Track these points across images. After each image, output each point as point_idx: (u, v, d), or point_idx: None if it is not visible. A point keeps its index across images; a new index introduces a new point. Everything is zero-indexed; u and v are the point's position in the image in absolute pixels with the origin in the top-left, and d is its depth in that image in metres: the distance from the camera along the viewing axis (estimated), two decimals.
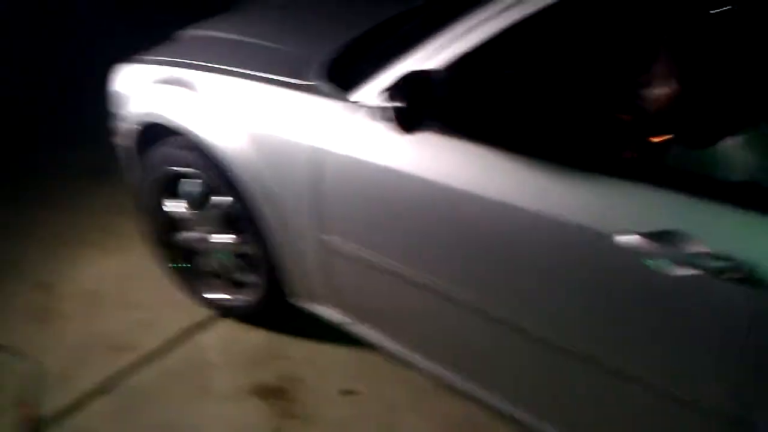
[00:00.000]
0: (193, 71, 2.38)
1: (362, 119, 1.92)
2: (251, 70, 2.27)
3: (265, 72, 2.23)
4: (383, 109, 1.79)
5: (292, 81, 2.14)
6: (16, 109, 4.63)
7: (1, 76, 4.90)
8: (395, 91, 1.68)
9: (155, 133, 2.51)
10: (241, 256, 2.56)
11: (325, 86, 2.07)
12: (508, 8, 1.64)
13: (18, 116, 4.59)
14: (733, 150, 1.62)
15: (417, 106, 1.68)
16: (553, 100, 1.90)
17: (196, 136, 2.30)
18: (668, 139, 1.74)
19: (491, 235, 1.74)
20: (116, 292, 3.01)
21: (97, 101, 3.01)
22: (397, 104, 1.66)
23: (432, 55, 1.78)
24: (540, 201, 1.61)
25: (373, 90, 1.90)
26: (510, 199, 1.65)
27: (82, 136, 4.13)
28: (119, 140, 2.71)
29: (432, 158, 1.79)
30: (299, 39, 2.52)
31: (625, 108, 1.93)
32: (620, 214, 1.51)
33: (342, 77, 2.10)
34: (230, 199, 2.35)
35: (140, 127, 2.58)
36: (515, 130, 1.75)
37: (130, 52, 2.75)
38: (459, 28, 1.75)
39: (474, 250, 1.80)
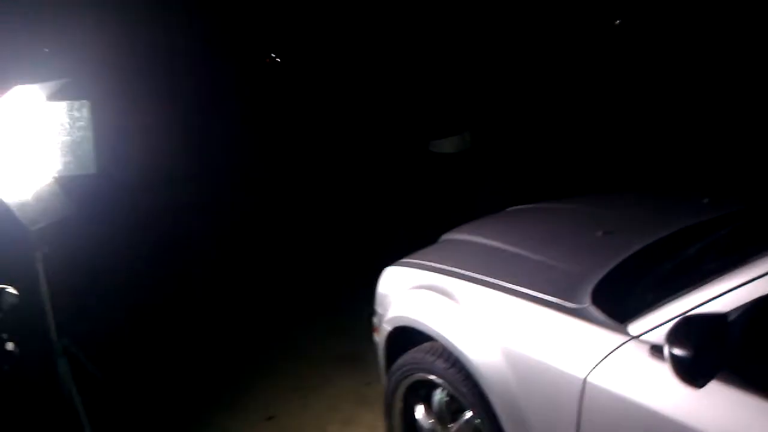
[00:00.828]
0: (454, 280, 2.38)
1: (636, 356, 1.72)
2: (513, 283, 2.21)
3: (527, 287, 2.16)
4: (663, 350, 1.58)
5: (559, 302, 2.02)
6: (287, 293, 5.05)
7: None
8: (677, 335, 1.49)
9: (410, 337, 2.50)
10: None
11: (594, 311, 1.92)
12: None
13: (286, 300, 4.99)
14: None
15: (703, 356, 1.46)
16: None
17: (451, 345, 2.25)
18: None
19: None
20: None
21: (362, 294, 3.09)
22: (679, 351, 1.46)
23: (724, 293, 1.57)
24: None
25: (650, 325, 1.71)
26: None
27: (339, 323, 4.33)
28: (377, 338, 2.76)
29: (719, 414, 1.53)
30: (563, 252, 2.42)
31: None
32: None
33: (612, 301, 1.94)
34: (477, 415, 2.21)
35: (392, 328, 2.61)
36: None
37: (399, 255, 2.85)
38: (760, 265, 1.53)
39: None
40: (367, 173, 6.62)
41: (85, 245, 4.87)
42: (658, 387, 1.64)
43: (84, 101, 2.73)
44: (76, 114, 2.73)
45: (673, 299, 1.70)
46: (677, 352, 1.46)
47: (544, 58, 6.61)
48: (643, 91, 6.67)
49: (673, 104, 6.39)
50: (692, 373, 1.46)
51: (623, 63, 7.11)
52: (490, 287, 2.24)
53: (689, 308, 1.63)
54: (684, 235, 2.32)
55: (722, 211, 2.49)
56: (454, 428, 2.39)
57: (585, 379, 1.80)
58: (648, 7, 7.22)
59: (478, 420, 2.23)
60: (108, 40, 6.99)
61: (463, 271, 2.41)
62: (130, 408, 3.50)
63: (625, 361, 1.74)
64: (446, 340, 2.26)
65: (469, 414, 2.30)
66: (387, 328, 2.62)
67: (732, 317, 1.52)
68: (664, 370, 1.59)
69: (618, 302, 1.92)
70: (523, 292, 2.14)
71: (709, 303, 1.59)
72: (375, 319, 2.80)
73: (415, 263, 2.68)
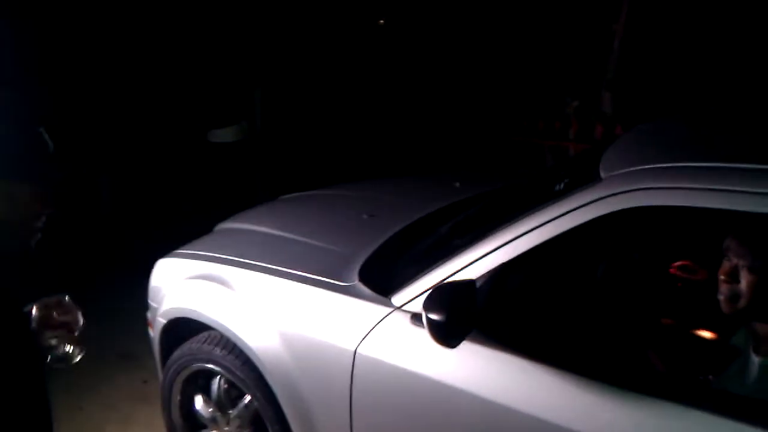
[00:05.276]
0: (228, 267, 2.40)
1: (399, 325, 1.87)
2: (286, 267, 2.28)
3: (300, 270, 2.24)
4: (421, 317, 1.74)
5: (328, 281, 2.13)
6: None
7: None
8: (432, 302, 1.64)
9: (186, 328, 2.48)
10: None
11: (361, 287, 2.05)
12: (550, 221, 1.64)
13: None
14: None
15: (454, 319, 1.62)
16: (595, 312, 1.85)
17: (229, 331, 2.27)
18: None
19: None
20: None
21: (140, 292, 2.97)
22: (434, 316, 1.60)
23: (472, 263, 1.77)
24: (585, 422, 1.52)
25: (411, 295, 1.88)
26: (553, 419, 1.56)
27: (117, 322, 4.11)
28: (152, 333, 2.69)
29: (470, 369, 1.72)
30: (332, 236, 2.55)
31: (671, 311, 1.87)
32: None
33: (378, 278, 2.09)
34: (257, 398, 2.26)
35: (166, 321, 2.55)
36: (560, 344, 1.69)
37: (170, 246, 2.79)
38: (500, 237, 1.75)
39: None
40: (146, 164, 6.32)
41: None
42: (419, 351, 1.80)
43: None
44: None
45: (429, 271, 1.88)
46: (432, 316, 1.60)
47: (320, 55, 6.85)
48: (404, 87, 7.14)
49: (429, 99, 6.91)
50: (446, 335, 1.62)
51: (388, 61, 7.55)
52: (264, 272, 2.29)
53: (443, 278, 1.81)
54: (439, 215, 2.57)
55: (469, 193, 2.79)
56: (234, 414, 2.42)
57: (355, 350, 1.92)
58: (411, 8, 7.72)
59: (257, 403, 2.28)
60: None
61: (237, 258, 2.43)
62: None
63: (389, 331, 1.88)
64: (223, 327, 2.28)
65: (248, 399, 2.35)
66: (162, 321, 2.56)
67: (479, 283, 1.72)
68: (423, 336, 1.76)
69: (383, 278, 2.07)
70: (295, 274, 2.22)
71: (461, 272, 1.78)
72: (149, 314, 2.73)
73: (189, 254, 2.65)
